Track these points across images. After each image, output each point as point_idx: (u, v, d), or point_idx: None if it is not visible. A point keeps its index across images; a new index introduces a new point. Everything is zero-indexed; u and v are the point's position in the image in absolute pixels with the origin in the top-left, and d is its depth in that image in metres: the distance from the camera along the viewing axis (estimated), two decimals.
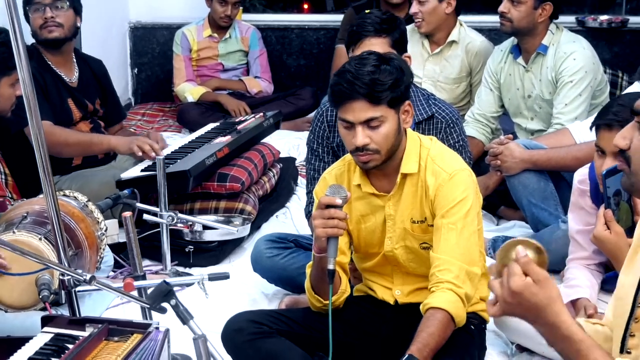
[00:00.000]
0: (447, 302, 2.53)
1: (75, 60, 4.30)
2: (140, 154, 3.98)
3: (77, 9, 4.20)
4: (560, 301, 1.70)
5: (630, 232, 2.61)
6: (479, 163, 4.15)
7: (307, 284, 2.73)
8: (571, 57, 4.20)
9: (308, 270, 2.73)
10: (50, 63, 4.19)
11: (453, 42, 4.82)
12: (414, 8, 4.73)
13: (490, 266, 1.82)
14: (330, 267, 2.50)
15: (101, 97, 4.40)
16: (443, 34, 4.81)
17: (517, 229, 4.04)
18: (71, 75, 4.26)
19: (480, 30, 5.06)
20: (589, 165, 3.13)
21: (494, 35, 5.39)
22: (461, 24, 4.87)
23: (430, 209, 2.66)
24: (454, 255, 2.58)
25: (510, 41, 4.47)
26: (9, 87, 3.38)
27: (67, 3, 4.14)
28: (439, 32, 4.81)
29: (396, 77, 2.58)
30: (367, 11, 3.36)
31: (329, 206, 2.52)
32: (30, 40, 4.11)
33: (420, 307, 2.57)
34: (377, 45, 3.18)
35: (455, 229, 2.60)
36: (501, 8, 4.21)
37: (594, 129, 3.02)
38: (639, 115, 1.78)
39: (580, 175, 3.14)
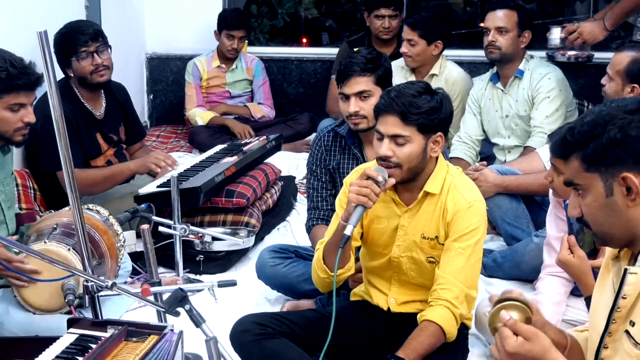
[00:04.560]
0: (442, 318, 2.52)
1: (103, 91, 4.17)
2: (158, 170, 3.97)
3: (110, 47, 4.07)
4: (553, 348, 1.70)
5: (592, 255, 2.61)
6: None
7: (318, 255, 2.68)
8: (546, 77, 4.28)
9: (321, 245, 2.68)
10: (80, 98, 4.06)
11: (434, 74, 4.83)
12: (404, 48, 4.76)
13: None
14: (347, 232, 2.45)
15: (124, 122, 4.33)
16: (427, 68, 4.84)
17: (495, 242, 4.04)
18: (99, 109, 4.14)
19: (459, 63, 5.09)
20: None
21: (472, 68, 5.41)
22: (443, 58, 4.87)
23: (445, 230, 2.63)
24: (458, 278, 2.56)
25: (490, 72, 4.53)
26: (5, 110, 2.87)
27: (107, 45, 4.03)
28: (424, 67, 4.84)
29: (433, 106, 2.54)
30: (355, 50, 3.32)
31: (369, 178, 2.49)
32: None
33: (417, 316, 2.56)
34: (363, 82, 3.14)
35: (464, 254, 2.58)
36: (490, 38, 4.27)
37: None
38: (571, 186, 1.74)
39: None
